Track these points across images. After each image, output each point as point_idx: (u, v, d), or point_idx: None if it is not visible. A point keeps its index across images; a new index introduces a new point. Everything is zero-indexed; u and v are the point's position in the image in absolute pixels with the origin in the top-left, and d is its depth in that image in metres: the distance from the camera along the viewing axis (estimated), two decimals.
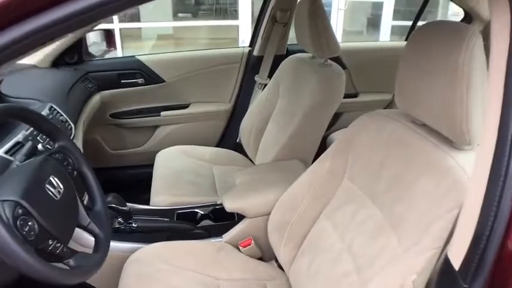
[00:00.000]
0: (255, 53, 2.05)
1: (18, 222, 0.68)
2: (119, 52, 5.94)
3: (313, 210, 1.12)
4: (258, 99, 1.89)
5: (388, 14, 6.30)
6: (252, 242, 1.25)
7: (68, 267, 0.77)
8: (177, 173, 1.70)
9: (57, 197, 0.80)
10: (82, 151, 1.41)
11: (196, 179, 1.67)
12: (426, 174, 0.80)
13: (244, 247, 1.26)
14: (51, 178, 0.81)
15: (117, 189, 1.62)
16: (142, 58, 1.97)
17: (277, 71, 1.77)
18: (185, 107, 2.10)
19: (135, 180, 2.00)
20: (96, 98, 1.89)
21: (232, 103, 2.13)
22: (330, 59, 1.55)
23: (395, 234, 0.84)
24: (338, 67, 1.53)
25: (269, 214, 1.22)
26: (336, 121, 2.16)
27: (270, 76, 1.92)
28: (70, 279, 0.73)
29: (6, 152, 0.98)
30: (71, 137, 1.33)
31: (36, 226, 0.71)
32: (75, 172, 0.95)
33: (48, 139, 0.96)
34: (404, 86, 0.88)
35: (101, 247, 0.89)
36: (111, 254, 1.24)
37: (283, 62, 1.74)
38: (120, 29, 6.30)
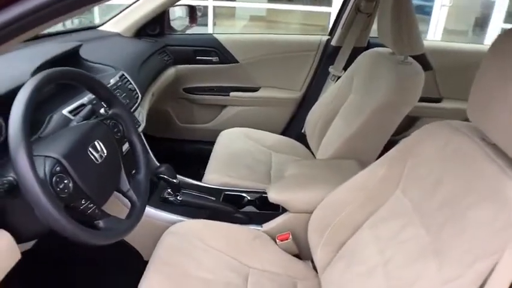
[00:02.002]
0: (333, 42, 1.96)
1: (54, 179, 0.72)
2: (209, 29, 6.15)
3: (357, 217, 1.05)
4: (329, 91, 1.81)
5: (499, 15, 5.61)
6: (290, 237, 1.22)
7: (97, 229, 0.81)
8: (235, 155, 1.71)
9: (98, 161, 0.84)
10: (145, 120, 1.47)
11: (253, 164, 1.67)
12: (484, 202, 0.69)
13: (281, 240, 1.22)
14: (96, 142, 0.85)
15: (176, 160, 1.69)
16: (219, 37, 2.00)
17: (353, 64, 1.67)
18: (255, 90, 2.09)
19: (195, 155, 2.05)
20: (171, 71, 1.97)
21: (303, 92, 2.07)
22: (414, 57, 1.41)
23: (437, 262, 0.74)
24: (418, 66, 1.39)
25: (312, 212, 1.17)
26: (411, 126, 1.99)
27: (345, 68, 1.82)
28: (95, 239, 0.77)
29: (70, 112, 1.06)
30: (136, 106, 1.39)
31: (71, 185, 0.76)
32: (124, 139, 0.99)
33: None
34: (479, 96, 0.76)
35: (134, 214, 0.92)
36: (154, 222, 1.31)
37: (360, 55, 1.63)
38: (214, 7, 6.50)
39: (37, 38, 1.48)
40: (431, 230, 0.80)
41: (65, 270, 1.41)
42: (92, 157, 0.83)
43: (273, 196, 1.25)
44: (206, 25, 6.25)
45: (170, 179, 1.35)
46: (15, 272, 0.89)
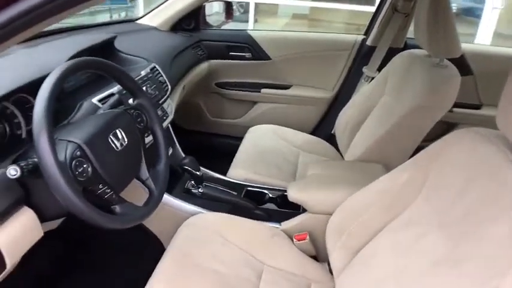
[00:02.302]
0: (369, 42, 1.91)
1: (73, 163, 0.76)
2: (250, 25, 6.18)
3: (377, 221, 1.02)
4: (362, 92, 1.77)
5: None
6: (307, 237, 1.20)
7: (113, 213, 0.84)
8: (262, 152, 1.71)
9: (118, 148, 0.87)
10: (173, 112, 1.51)
11: (279, 162, 1.66)
12: (504, 216, 0.65)
13: (299, 240, 1.21)
14: (117, 130, 0.88)
15: (203, 153, 1.72)
16: (253, 33, 2.00)
17: (388, 64, 1.62)
18: (286, 87, 2.08)
19: (222, 149, 2.08)
20: (204, 66, 2.00)
21: (335, 92, 2.04)
22: (453, 61, 1.35)
23: (453, 275, 0.71)
24: (454, 70, 1.32)
25: (331, 214, 1.15)
26: (446, 133, 1.90)
27: (379, 69, 1.77)
28: (110, 223, 0.79)
29: (99, 100, 1.10)
30: (165, 98, 1.42)
31: (89, 169, 0.79)
32: (147, 130, 1.02)
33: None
34: (508, 103, 0.72)
35: (151, 202, 0.94)
36: (175, 212, 1.34)
37: (395, 57, 1.58)
38: (257, 4, 6.52)
39: (76, 29, 1.55)
40: (450, 241, 0.76)
41: (86, 251, 1.47)
42: (112, 144, 0.86)
43: (293, 195, 1.24)
44: (247, 21, 6.28)
45: (193, 171, 1.38)
46: (37, 249, 0.94)
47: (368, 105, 1.64)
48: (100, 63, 0.89)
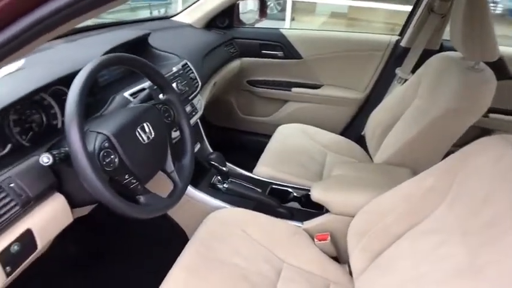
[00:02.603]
0: (403, 43, 1.86)
1: (101, 153, 0.80)
2: (287, 24, 6.15)
3: (398, 226, 1.00)
4: (394, 93, 1.73)
5: None
6: (329, 238, 1.20)
7: (137, 203, 0.87)
8: (290, 150, 1.71)
9: (144, 141, 0.90)
10: (203, 108, 1.54)
11: (306, 162, 1.66)
12: None
13: (320, 240, 1.21)
14: (145, 124, 0.91)
15: (232, 150, 1.74)
16: (285, 32, 2.00)
17: (422, 67, 1.57)
18: (317, 87, 2.07)
19: (251, 146, 2.10)
20: (236, 63, 2.02)
21: (367, 93, 2.01)
22: (491, 64, 1.30)
23: (473, 286, 0.69)
24: (490, 74, 1.27)
25: (353, 215, 1.14)
26: None
27: (413, 71, 1.73)
28: (134, 212, 0.83)
29: (131, 95, 1.15)
30: (195, 94, 1.46)
31: (116, 160, 0.83)
32: (174, 125, 1.05)
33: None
34: None
35: (175, 195, 0.97)
36: (200, 205, 1.37)
37: (430, 59, 1.54)
38: (294, 2, 6.48)
39: (114, 25, 1.61)
40: (472, 250, 0.74)
41: (114, 239, 1.54)
42: (140, 137, 0.89)
43: (316, 195, 1.24)
44: (284, 20, 6.26)
45: (220, 166, 1.40)
46: (67, 234, 1.00)
47: (400, 107, 1.60)
48: (131, 59, 0.93)
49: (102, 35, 1.42)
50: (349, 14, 7.83)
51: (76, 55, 1.15)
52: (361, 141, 1.87)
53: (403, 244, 0.96)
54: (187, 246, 1.13)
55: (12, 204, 0.79)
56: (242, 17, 2.08)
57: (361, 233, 1.09)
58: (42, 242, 0.86)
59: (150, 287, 1.00)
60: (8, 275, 0.79)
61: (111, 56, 0.88)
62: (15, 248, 0.79)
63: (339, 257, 1.24)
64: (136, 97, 1.12)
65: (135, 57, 0.94)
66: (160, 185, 1.06)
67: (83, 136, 0.75)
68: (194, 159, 1.07)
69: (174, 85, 1.30)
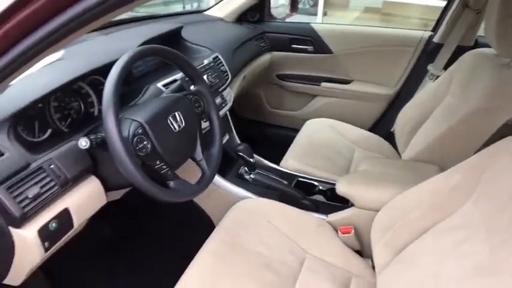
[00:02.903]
0: (436, 39, 1.81)
1: (135, 139, 0.84)
2: (318, 18, 6.11)
3: (423, 222, 1.00)
4: (425, 90, 1.70)
5: None
6: (352, 231, 1.20)
7: (167, 187, 0.91)
8: (317, 145, 1.72)
9: (175, 129, 0.94)
10: (232, 100, 1.57)
11: (333, 156, 1.66)
12: None
13: (343, 233, 1.22)
14: (176, 113, 0.95)
15: (260, 142, 1.76)
16: (316, 26, 2.00)
17: (455, 63, 1.54)
18: (347, 82, 2.06)
19: (279, 140, 2.11)
20: (266, 57, 2.04)
21: (397, 89, 1.98)
22: None
23: (494, 284, 0.69)
24: None
25: (378, 210, 1.15)
26: None
27: (445, 68, 1.69)
28: (163, 196, 0.87)
29: (164, 85, 1.20)
30: (225, 86, 1.49)
31: (149, 146, 0.87)
32: (204, 115, 1.09)
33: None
34: None
35: (203, 182, 1.01)
36: (227, 194, 1.41)
37: (463, 55, 1.50)
38: None
39: (148, 18, 1.67)
40: (493, 249, 0.74)
41: (145, 224, 1.61)
42: (171, 125, 0.93)
43: (341, 188, 1.25)
44: (316, 15, 6.21)
45: (247, 157, 1.43)
46: (102, 217, 1.06)
47: (431, 104, 1.58)
48: (165, 50, 0.97)
49: (136, 28, 1.48)
50: (383, 9, 7.67)
51: (112, 47, 1.21)
52: (390, 138, 1.85)
53: (427, 240, 0.96)
54: (213, 233, 1.17)
55: (52, 184, 0.85)
56: (273, 11, 2.09)
57: (385, 227, 1.09)
58: (78, 220, 0.92)
59: (177, 269, 1.05)
60: (46, 250, 0.85)
61: (145, 47, 0.92)
62: (53, 225, 0.85)
63: (362, 251, 1.25)
64: (168, 88, 1.17)
65: (168, 49, 0.98)
66: (190, 172, 1.10)
67: (119, 123, 0.79)
68: (222, 150, 1.10)
69: (204, 77, 1.34)
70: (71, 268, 1.40)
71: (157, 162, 0.89)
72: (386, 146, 1.84)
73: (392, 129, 1.90)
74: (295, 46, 2.06)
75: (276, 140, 2.24)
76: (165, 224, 1.59)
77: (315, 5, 6.63)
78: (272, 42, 2.05)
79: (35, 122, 0.98)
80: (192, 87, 1.13)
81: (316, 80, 2.10)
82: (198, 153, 1.03)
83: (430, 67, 1.82)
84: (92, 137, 0.84)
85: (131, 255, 1.53)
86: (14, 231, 0.81)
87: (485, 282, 0.70)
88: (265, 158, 1.66)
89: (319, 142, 1.73)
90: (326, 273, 1.12)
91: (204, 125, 1.14)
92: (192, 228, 1.50)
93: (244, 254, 1.11)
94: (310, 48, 2.04)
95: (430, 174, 1.28)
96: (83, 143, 0.82)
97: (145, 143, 0.86)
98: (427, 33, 1.87)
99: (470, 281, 0.74)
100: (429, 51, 1.85)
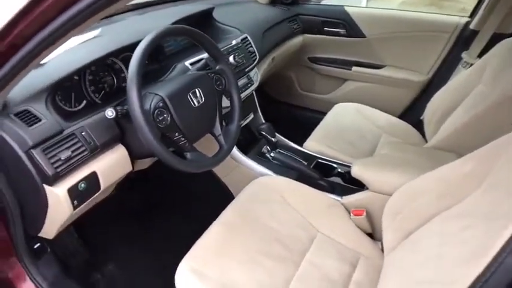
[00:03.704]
0: (472, 26, 1.74)
1: (156, 112, 0.92)
2: (363, 3, 5.90)
3: (432, 208, 1.01)
4: (458, 78, 1.65)
5: None
6: (364, 214, 1.23)
7: (184, 158, 0.99)
8: (343, 128, 1.73)
9: (195, 105, 1.01)
10: (259, 80, 1.61)
11: (358, 141, 1.67)
12: None
13: (355, 215, 1.25)
14: (196, 89, 1.02)
15: (286, 123, 1.80)
16: (349, 9, 1.98)
17: (490, 51, 1.49)
18: (378, 67, 2.03)
19: (305, 122, 2.13)
20: (298, 39, 2.05)
21: (429, 76, 1.93)
22: None
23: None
24: None
25: (391, 194, 1.16)
26: None
27: (480, 55, 1.63)
28: (180, 165, 0.94)
29: (191, 64, 1.26)
30: (252, 66, 1.54)
31: (169, 118, 0.94)
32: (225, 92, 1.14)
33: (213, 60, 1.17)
34: None
35: (219, 156, 1.07)
36: (247, 170, 1.47)
37: (499, 43, 1.45)
38: None
39: None
40: (493, 234, 0.75)
41: (172, 194, 1.71)
42: (191, 101, 1.00)
43: (356, 171, 1.27)
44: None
45: (269, 136, 1.48)
46: (131, 186, 1.15)
47: (462, 93, 1.54)
48: (189, 31, 1.03)
49: (170, 9, 1.54)
50: None
51: (144, 26, 1.28)
52: (419, 125, 1.83)
53: (434, 225, 0.97)
54: (229, 205, 1.23)
55: (82, 149, 0.94)
56: None
57: (395, 211, 1.11)
58: (105, 183, 1.02)
59: (196, 238, 1.12)
60: (75, 207, 0.96)
61: (169, 27, 0.98)
62: (82, 185, 0.95)
63: (374, 234, 1.27)
64: (194, 66, 1.23)
65: (193, 29, 1.04)
66: (209, 146, 1.17)
67: (141, 95, 0.87)
68: (247, 128, 1.15)
69: (231, 57, 1.39)
70: (99, 231, 1.53)
71: (176, 135, 0.96)
72: (414, 133, 1.81)
73: (422, 117, 1.87)
74: (328, 29, 2.05)
75: (304, 121, 2.26)
76: (189, 196, 1.69)
77: None
78: (305, 24, 2.05)
79: (71, 93, 1.08)
80: (217, 67, 1.19)
81: (348, 64, 2.09)
82: (217, 129, 1.10)
83: (464, 54, 1.76)
84: (118, 108, 0.92)
85: (153, 223, 1.65)
86: (47, 188, 0.91)
87: (480, 268, 0.72)
88: (291, 139, 1.70)
89: (344, 126, 1.74)
90: (335, 252, 1.16)
91: (226, 103, 1.20)
92: (214, 201, 1.58)
93: (256, 226, 1.16)
94: (342, 31, 2.02)
95: (447, 162, 1.28)
96: (109, 113, 0.90)
97: (165, 115, 0.94)
98: (464, 19, 1.80)
99: (469, 265, 0.76)
100: (464, 38, 1.78)
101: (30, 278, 1.15)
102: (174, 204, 1.71)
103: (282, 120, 2.31)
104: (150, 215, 1.66)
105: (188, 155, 0.99)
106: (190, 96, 1.00)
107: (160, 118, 0.93)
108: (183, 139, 0.97)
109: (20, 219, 1.02)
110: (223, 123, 1.12)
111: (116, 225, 1.57)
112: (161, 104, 0.93)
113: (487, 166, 0.91)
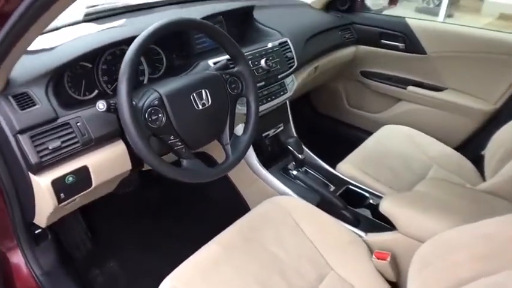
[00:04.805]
0: None
1: (149, 110, 0.82)
2: (440, 19, 5.49)
3: (467, 269, 0.81)
4: None
5: None
6: (389, 258, 1.04)
7: (178, 165, 0.88)
8: (386, 153, 1.54)
9: (198, 108, 0.90)
10: (294, 89, 1.48)
11: (401, 170, 1.47)
12: None
13: (378, 258, 1.06)
14: (203, 90, 0.91)
15: (326, 139, 1.63)
16: (411, 22, 1.76)
17: None
18: (438, 89, 1.79)
19: (350, 141, 1.95)
20: (350, 50, 1.89)
21: (497, 106, 1.66)
22: None
23: None
24: None
25: (423, 242, 0.97)
26: None
27: None
28: (168, 172, 0.84)
29: (214, 63, 1.16)
30: (287, 73, 1.40)
31: (164, 119, 0.84)
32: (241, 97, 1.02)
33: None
34: None
35: (221, 168, 0.96)
36: (266, 187, 1.36)
37: None
38: None
39: None
40: None
41: (185, 195, 1.63)
42: (194, 102, 0.89)
43: (384, 206, 1.09)
44: (437, 15, 5.58)
45: (295, 152, 1.34)
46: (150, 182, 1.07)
47: None
48: (203, 25, 0.93)
49: (212, 4, 1.46)
50: None
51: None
52: (479, 161, 1.57)
53: None
54: (236, 221, 1.11)
55: (74, 140, 0.88)
56: (368, 1, 1.90)
57: (424, 263, 0.92)
58: (98, 180, 0.95)
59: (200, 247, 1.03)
60: (61, 201, 0.89)
61: (173, 20, 0.88)
62: (70, 179, 0.88)
63: (398, 283, 1.08)
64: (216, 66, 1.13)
65: (204, 22, 0.94)
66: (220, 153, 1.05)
67: (131, 90, 0.78)
68: (275, 139, 1.03)
69: (262, 61, 1.27)
70: (109, 226, 1.49)
71: (171, 138, 0.86)
72: (471, 170, 1.57)
73: (483, 152, 1.61)
74: (385, 42, 1.84)
75: (346, 140, 2.07)
76: (205, 200, 1.61)
77: (440, 4, 5.97)
78: (359, 34, 1.87)
79: (82, 81, 1.03)
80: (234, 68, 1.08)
81: (403, 82, 1.87)
82: (225, 137, 0.98)
83: None
84: (111, 102, 0.84)
85: (164, 224, 1.59)
86: (32, 176, 0.86)
87: None
88: (327, 157, 1.53)
89: (389, 150, 1.55)
90: None
91: (242, 110, 1.08)
92: (230, 211, 1.47)
93: (257, 251, 1.04)
94: (401, 45, 1.81)
95: (498, 211, 1.05)
96: (101, 105, 0.83)
97: (160, 115, 0.84)
98: None
99: None
100: None
101: (25, 263, 1.12)
102: (188, 207, 1.65)
103: (322, 135, 2.14)
104: (163, 215, 1.60)
105: (184, 162, 0.89)
106: (194, 97, 0.90)
107: (153, 117, 0.83)
108: (179, 144, 0.87)
109: (17, 202, 0.99)
110: (235, 132, 1.00)
111: (127, 222, 1.53)
112: (157, 102, 0.84)
113: None
